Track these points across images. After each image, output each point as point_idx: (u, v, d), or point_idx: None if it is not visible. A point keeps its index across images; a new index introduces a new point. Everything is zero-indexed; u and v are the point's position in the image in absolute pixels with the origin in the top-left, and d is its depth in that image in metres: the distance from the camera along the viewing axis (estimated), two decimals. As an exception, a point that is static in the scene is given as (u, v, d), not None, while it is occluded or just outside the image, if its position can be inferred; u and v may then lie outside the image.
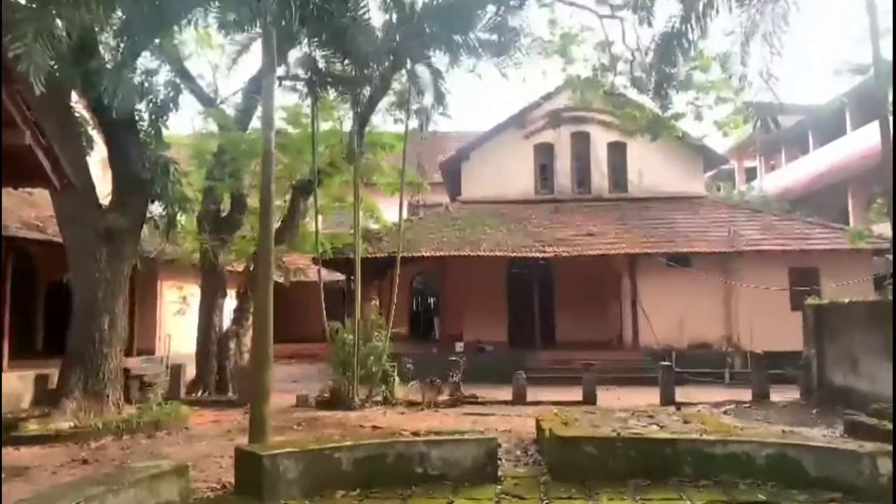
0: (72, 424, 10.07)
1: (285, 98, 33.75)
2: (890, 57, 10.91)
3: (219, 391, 15.57)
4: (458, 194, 22.89)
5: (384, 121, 17.78)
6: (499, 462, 7.03)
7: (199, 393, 15.45)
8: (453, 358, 13.64)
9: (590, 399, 13.44)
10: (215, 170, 16.21)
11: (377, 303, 14.05)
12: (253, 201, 17.34)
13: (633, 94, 16.23)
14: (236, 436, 10.14)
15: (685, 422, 8.76)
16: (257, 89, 16.36)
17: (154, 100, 11.44)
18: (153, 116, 11.58)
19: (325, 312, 13.67)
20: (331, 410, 12.92)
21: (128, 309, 11.97)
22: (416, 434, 7.52)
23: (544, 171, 22.53)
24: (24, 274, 16.07)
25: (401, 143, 17.83)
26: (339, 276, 23.19)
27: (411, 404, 13.21)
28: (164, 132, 12.03)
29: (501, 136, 22.15)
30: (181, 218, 12.57)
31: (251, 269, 16.58)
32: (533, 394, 13.96)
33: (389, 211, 20.98)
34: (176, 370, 14.37)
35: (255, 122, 16.85)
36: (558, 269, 20.52)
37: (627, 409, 10.67)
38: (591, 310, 20.94)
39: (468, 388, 14.42)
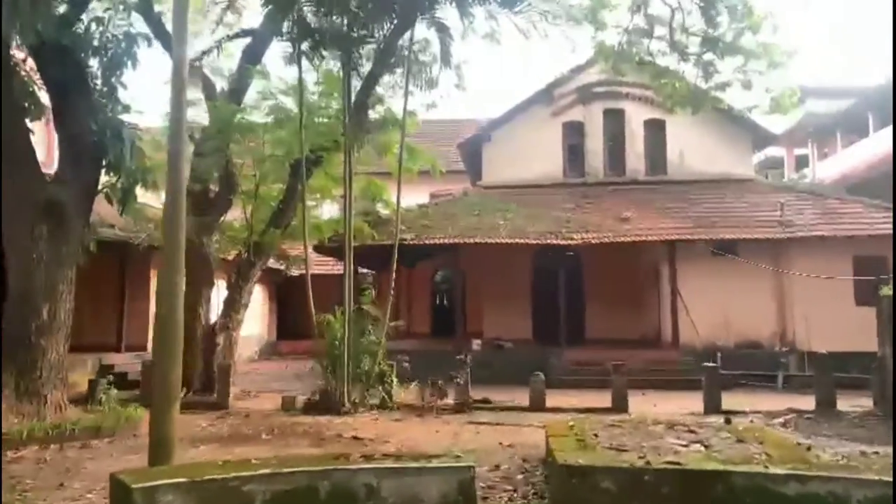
0: (-5, 430, 8.46)
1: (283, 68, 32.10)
2: None
3: (205, 391, 13.88)
4: (479, 179, 20.96)
5: (395, 93, 15.99)
6: (483, 495, 5.17)
7: (184, 393, 13.84)
8: (460, 356, 11.75)
9: (620, 406, 11.45)
10: (201, 144, 14.64)
11: (374, 293, 12.24)
12: (247, 183, 15.84)
13: (671, 62, 14.26)
14: (186, 446, 8.43)
15: (738, 440, 6.74)
16: (252, 58, 14.78)
17: (106, 53, 9.79)
18: (106, 73, 9.95)
19: (312, 304, 11.89)
20: (317, 415, 11.18)
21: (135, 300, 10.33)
22: (391, 454, 5.67)
23: (574, 151, 20.45)
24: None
25: (415, 123, 16.19)
26: (364, 269, 21.57)
27: (412, 409, 11.39)
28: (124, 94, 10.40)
29: (526, 115, 20.14)
30: (144, 192, 10.88)
31: (244, 256, 14.96)
32: (555, 398, 12.04)
33: (410, 197, 19.27)
34: (148, 367, 12.75)
35: (250, 98, 15.22)
36: (588, 258, 18.47)
37: (664, 419, 8.67)
38: (624, 304, 18.82)
39: (482, 390, 12.56)
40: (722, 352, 15.11)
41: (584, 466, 4.86)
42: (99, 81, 10.00)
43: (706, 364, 12.41)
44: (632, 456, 5.30)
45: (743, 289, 16.14)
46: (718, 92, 14.21)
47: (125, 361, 16.58)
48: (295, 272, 21.99)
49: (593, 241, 16.54)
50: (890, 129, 24.02)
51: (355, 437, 8.97)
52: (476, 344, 17.20)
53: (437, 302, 25.16)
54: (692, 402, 11.64)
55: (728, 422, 8.74)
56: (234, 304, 14.75)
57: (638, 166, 20.00)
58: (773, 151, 31.50)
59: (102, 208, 15.58)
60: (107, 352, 16.81)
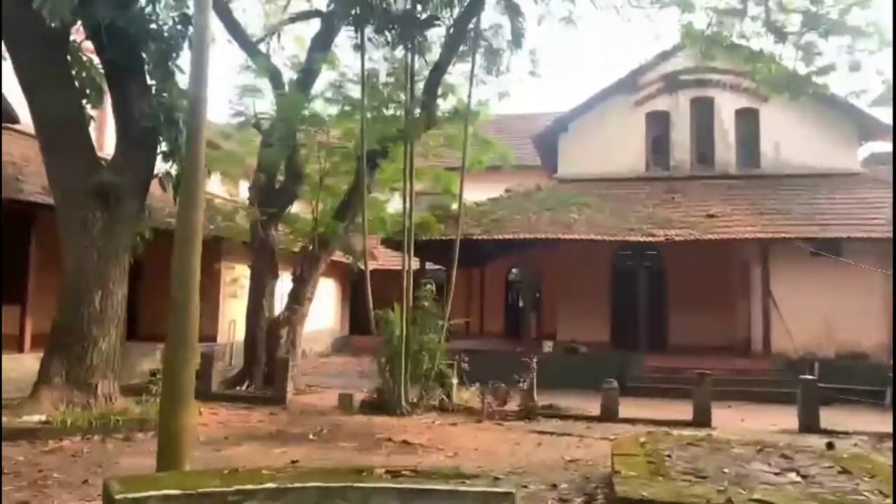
0: (42, 419, 8.30)
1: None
2: None
3: (267, 385, 13.59)
4: (554, 172, 19.97)
5: (467, 83, 15.29)
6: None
7: (245, 386, 13.62)
8: (525, 359, 10.93)
9: (702, 419, 10.36)
10: (269, 135, 14.39)
11: (433, 288, 11.57)
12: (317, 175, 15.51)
13: (767, 44, 12.96)
14: (227, 443, 8.02)
15: (842, 470, 5.67)
16: (321, 46, 14.41)
17: (162, 35, 9.53)
18: (163, 56, 9.69)
19: (370, 299, 11.34)
20: (372, 415, 10.63)
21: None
22: (422, 470, 4.98)
23: (658, 143, 19.16)
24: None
25: (486, 114, 15.49)
26: (433, 265, 21.05)
27: (472, 413, 10.66)
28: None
29: (607, 104, 18.99)
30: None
31: (310, 248, 14.63)
32: (629, 407, 11.06)
33: (482, 192, 18.55)
34: (208, 358, 12.54)
35: (319, 87, 14.83)
36: (672, 258, 17.23)
37: (752, 439, 7.58)
38: (711, 308, 17.44)
39: (550, 395, 11.71)
40: (820, 362, 13.63)
41: (647, 502, 4.00)
42: (155, 65, 9.75)
43: (802, 376, 11.12)
44: (709, 489, 4.39)
45: (846, 293, 14.56)
46: (820, 77, 12.80)
47: (204, 351, 16.60)
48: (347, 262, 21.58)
49: (678, 239, 15.32)
50: None
51: (405, 442, 8.32)
52: (547, 346, 16.30)
53: (511, 301, 24.35)
54: (785, 418, 10.42)
55: (830, 447, 7.57)
56: (298, 298, 14.43)
57: (728, 159, 18.51)
58: (883, 147, 28.92)
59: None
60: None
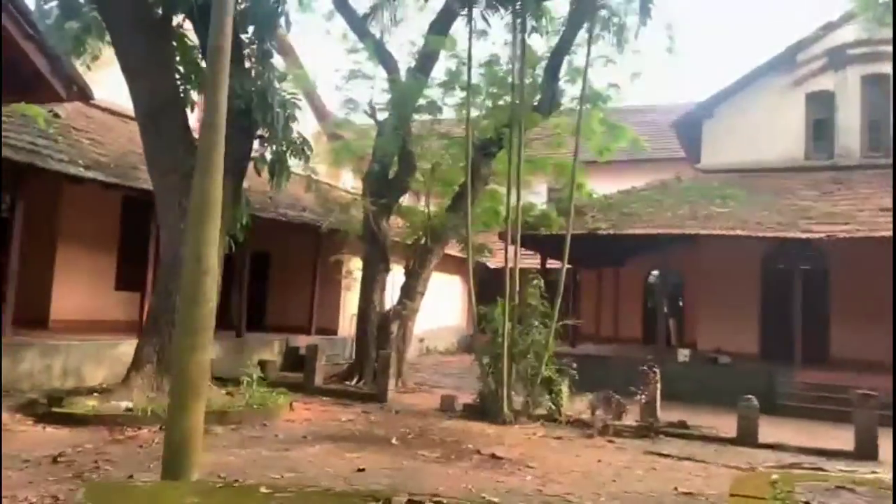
0: (128, 405, 8.16)
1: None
2: None
3: (376, 381, 13.09)
4: (697, 161, 18.05)
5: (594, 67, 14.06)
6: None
7: (355, 381, 13.21)
8: (644, 367, 9.54)
9: (865, 450, 8.51)
10: (384, 124, 13.91)
11: (541, 283, 10.43)
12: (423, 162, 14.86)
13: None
14: (300, 445, 7.44)
15: None
16: (439, 30, 13.72)
17: (257, 15, 9.20)
18: (259, 36, 9.37)
19: (474, 296, 10.44)
20: (472, 420, 9.73)
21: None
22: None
23: (820, 127, 16.72)
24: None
25: (613, 96, 14.21)
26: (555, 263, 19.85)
27: (583, 426, 9.46)
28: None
29: (759, 85, 16.84)
30: (302, 164, 10.12)
31: (423, 241, 14.00)
32: (774, 430, 9.42)
33: (614, 186, 17.15)
34: (312, 352, 12.22)
35: (437, 73, 14.15)
36: (836, 258, 14.90)
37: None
38: (882, 317, 14.85)
39: (680, 410, 10.28)
40: None
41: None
42: (251, 44, 9.46)
43: None
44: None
45: None
46: None
47: (308, 344, 16.52)
48: (493, 263, 20.76)
49: (842, 237, 13.12)
50: None
51: (493, 456, 7.34)
52: (683, 355, 14.62)
53: (650, 305, 22.50)
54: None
55: None
56: (409, 292, 13.86)
57: (907, 145, 15.78)
58: None
59: (297, 189, 15.66)
60: (298, 333, 16.90)
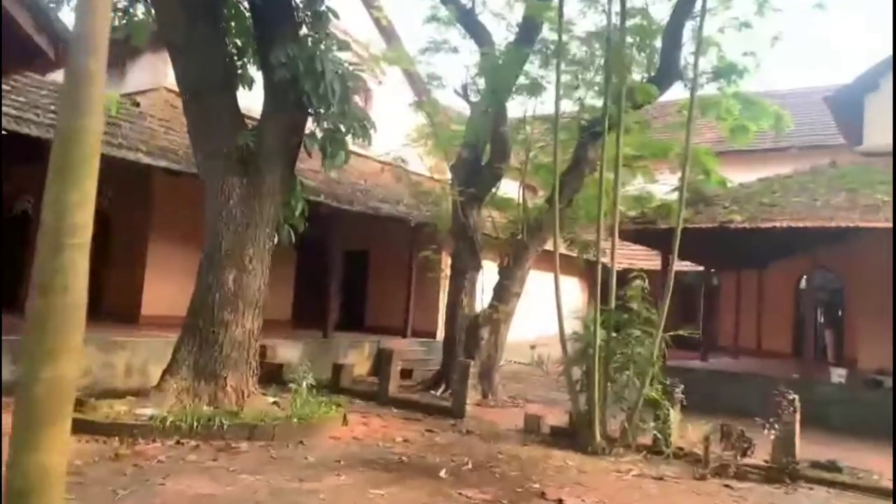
0: (154, 413, 7.24)
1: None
2: None
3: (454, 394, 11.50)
4: (857, 143, 15.11)
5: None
6: None
7: (440, 391, 11.86)
8: (776, 392, 7.40)
9: None
10: (475, 106, 12.52)
11: (645, 283, 8.48)
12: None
13: None
14: (326, 472, 6.14)
15: None
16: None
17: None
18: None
19: (558, 305, 8.70)
20: (556, 447, 8.05)
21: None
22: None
23: None
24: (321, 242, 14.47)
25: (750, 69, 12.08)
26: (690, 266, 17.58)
27: (694, 462, 7.51)
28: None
29: (941, 48, 13.78)
30: (356, 140, 8.84)
31: (519, 236, 12.42)
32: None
33: (752, 176, 14.73)
34: (387, 356, 10.97)
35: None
36: None
37: None
38: None
39: (829, 447, 8.10)
40: None
41: None
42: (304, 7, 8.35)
43: None
44: None
45: None
46: None
47: (405, 348, 15.37)
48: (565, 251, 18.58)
49: None
50: None
51: (560, 502, 5.67)
52: (838, 375, 12.03)
53: (801, 313, 19.37)
54: None
55: None
56: (502, 293, 12.32)
57: None
58: None
59: (389, 180, 14.60)
60: (394, 335, 15.85)
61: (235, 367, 7.97)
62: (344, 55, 8.89)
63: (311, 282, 16.05)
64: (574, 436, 8.41)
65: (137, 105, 12.32)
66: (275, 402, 8.27)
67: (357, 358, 14.14)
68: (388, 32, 16.72)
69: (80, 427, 6.67)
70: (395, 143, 13.40)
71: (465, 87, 12.69)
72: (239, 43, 9.01)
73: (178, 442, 6.74)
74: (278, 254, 15.85)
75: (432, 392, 11.98)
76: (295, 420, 7.59)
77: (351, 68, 8.73)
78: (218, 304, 7.95)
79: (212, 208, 8.22)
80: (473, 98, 12.72)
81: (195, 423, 6.94)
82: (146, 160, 10.25)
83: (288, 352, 12.54)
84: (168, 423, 6.88)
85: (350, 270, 18.47)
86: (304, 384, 8.24)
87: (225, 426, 7.01)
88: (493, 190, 12.74)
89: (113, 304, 13.87)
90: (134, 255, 13.62)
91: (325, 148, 8.26)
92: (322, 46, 8.28)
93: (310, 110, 8.29)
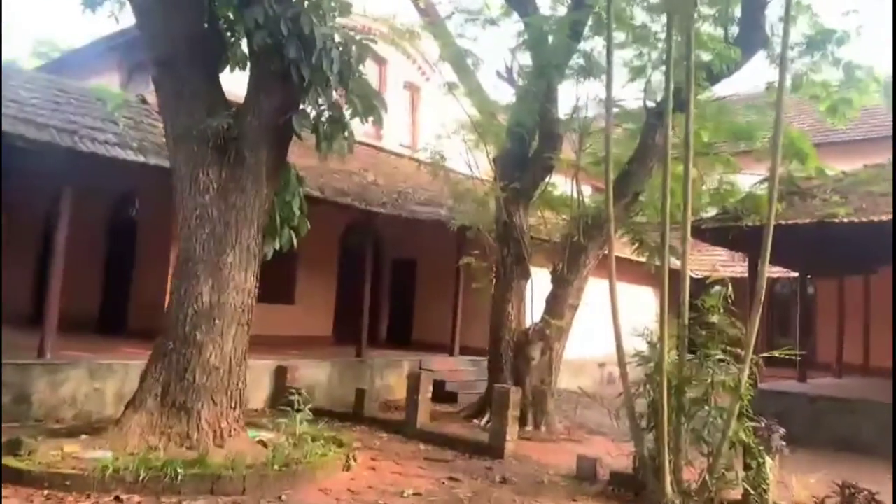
0: (105, 457, 5.82)
1: None
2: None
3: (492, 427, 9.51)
4: None
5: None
6: None
7: (484, 422, 10.05)
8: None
9: None
10: (522, 90, 10.84)
11: (727, 292, 6.42)
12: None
13: None
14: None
15: None
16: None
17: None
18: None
19: (615, 318, 6.78)
20: (614, 502, 6.22)
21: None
22: None
23: None
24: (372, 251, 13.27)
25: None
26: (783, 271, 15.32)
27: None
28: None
29: None
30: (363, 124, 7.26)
31: (573, 238, 10.59)
32: None
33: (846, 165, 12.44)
34: (414, 381, 9.33)
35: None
36: None
37: None
38: None
39: None
40: None
41: None
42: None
43: None
44: None
45: None
46: None
47: (451, 367, 13.73)
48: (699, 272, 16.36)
49: None
50: None
51: None
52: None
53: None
54: None
55: None
56: (555, 305, 10.55)
57: None
58: None
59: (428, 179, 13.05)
60: (439, 353, 14.24)
61: (212, 398, 6.50)
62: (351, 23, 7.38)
63: (356, 294, 14.49)
64: (634, 487, 6.56)
65: (145, 102, 11.27)
66: (260, 442, 6.77)
67: (395, 380, 12.58)
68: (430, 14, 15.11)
69: (10, 476, 5.37)
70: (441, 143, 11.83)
71: (509, 70, 11.03)
72: (231, 16, 7.60)
73: (116, 499, 5.28)
74: (318, 265, 14.91)
75: (475, 421, 10.28)
76: (277, 468, 6.02)
77: (358, 37, 7.20)
78: (190, 321, 6.52)
79: (183, 205, 6.81)
80: (519, 82, 11.06)
81: (141, 474, 5.46)
82: (139, 159, 9.06)
83: (312, 373, 11.11)
84: (108, 473, 5.42)
85: (398, 281, 17.01)
86: (298, 417, 6.69)
87: (179, 477, 5.50)
88: (543, 184, 10.96)
89: (136, 320, 12.97)
90: (158, 265, 12.55)
91: (318, 130, 6.74)
92: (309, 3, 6.75)
93: (304, 85, 6.78)
